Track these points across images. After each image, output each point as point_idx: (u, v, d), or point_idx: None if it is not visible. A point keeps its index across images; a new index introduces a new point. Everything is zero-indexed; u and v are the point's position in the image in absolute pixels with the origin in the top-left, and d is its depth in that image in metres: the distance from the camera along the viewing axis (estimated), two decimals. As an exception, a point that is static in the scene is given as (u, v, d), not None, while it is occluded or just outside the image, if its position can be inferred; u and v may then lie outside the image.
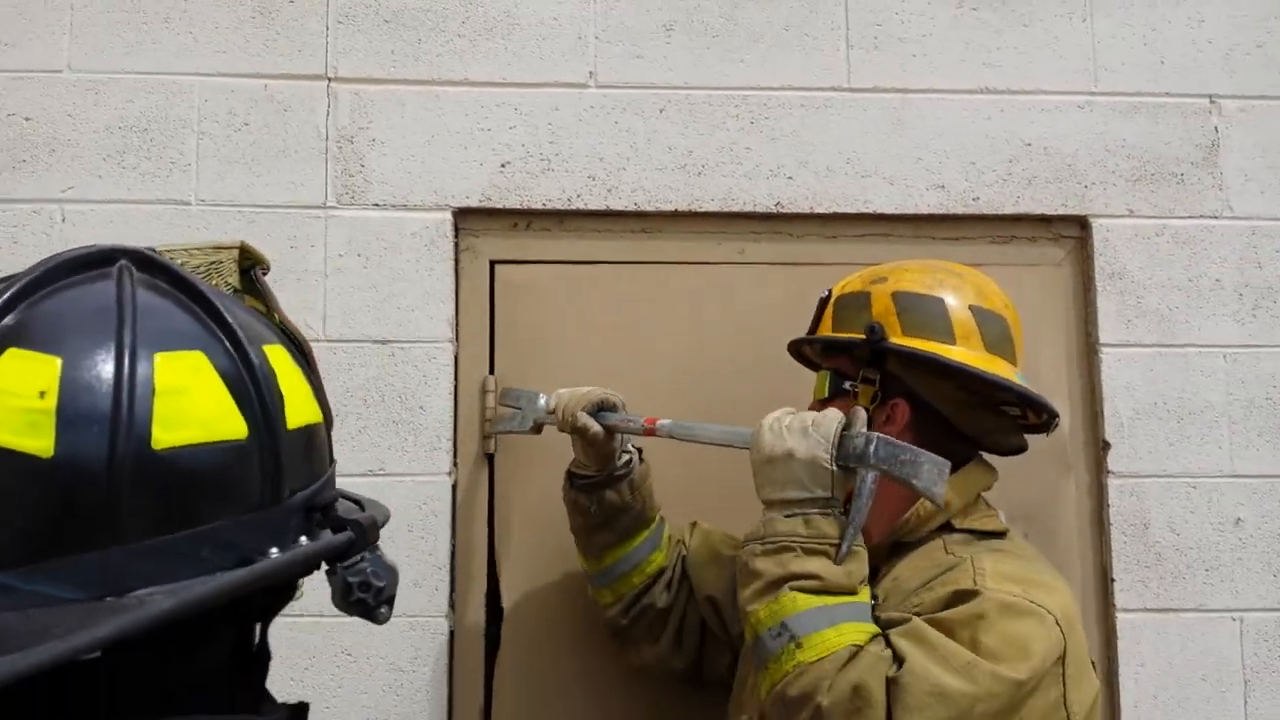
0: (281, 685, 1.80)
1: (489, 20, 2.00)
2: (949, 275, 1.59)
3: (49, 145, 1.93)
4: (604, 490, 1.66)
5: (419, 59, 1.98)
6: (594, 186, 1.96)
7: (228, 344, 0.71)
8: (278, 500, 0.70)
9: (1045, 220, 2.03)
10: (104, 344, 0.66)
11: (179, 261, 0.82)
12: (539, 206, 1.96)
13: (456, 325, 1.93)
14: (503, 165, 1.96)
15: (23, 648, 0.54)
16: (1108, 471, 1.96)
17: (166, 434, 0.65)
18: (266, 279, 0.90)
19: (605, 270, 1.96)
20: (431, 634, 1.85)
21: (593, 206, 1.96)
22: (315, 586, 0.78)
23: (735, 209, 1.97)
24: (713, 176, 1.98)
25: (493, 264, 1.95)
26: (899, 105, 2.02)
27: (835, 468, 1.36)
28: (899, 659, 1.28)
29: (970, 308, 1.54)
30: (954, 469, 1.48)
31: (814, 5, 2.04)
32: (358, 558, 0.71)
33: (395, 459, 1.87)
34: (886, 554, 1.50)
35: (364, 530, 0.73)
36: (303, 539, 0.71)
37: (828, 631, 1.30)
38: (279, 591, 0.75)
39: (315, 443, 0.76)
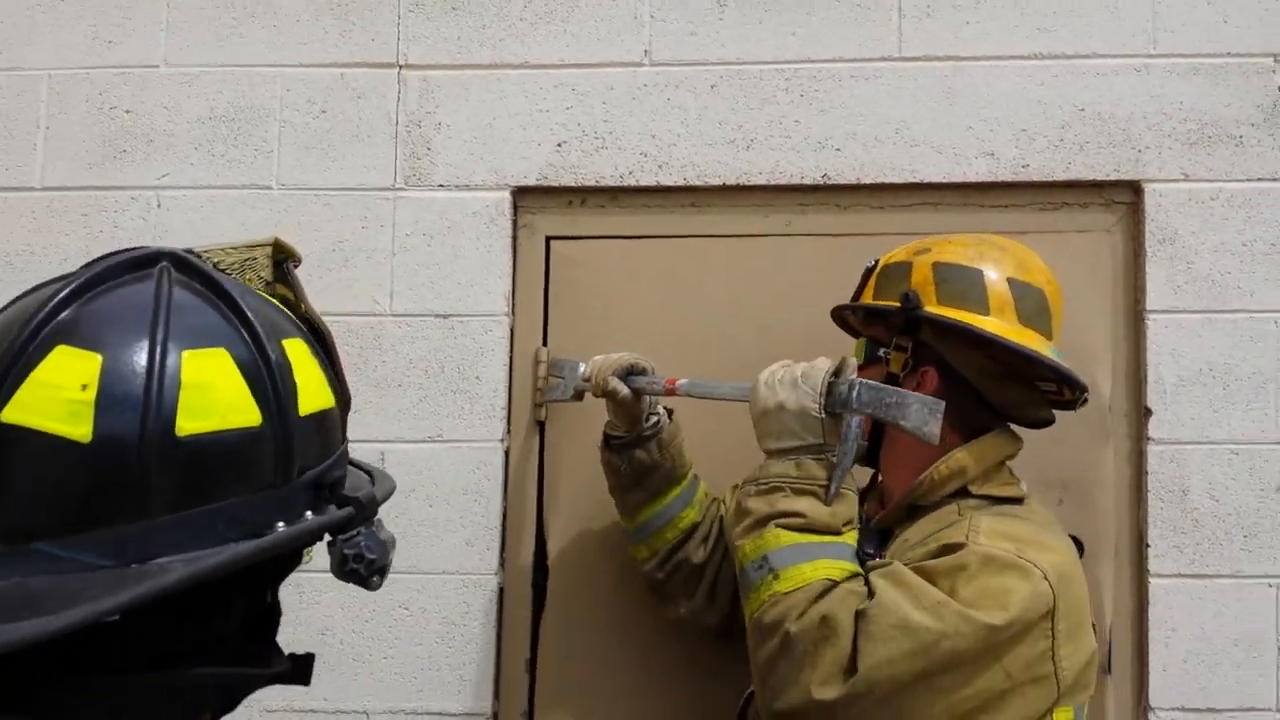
0: (343, 636, 2.00)
1: (549, 4, 2.09)
2: (991, 248, 1.63)
3: (147, 136, 2.10)
4: (634, 450, 1.77)
5: (483, 43, 2.09)
6: (646, 163, 2.04)
7: (248, 339, 0.81)
8: (288, 479, 0.80)
9: (1097, 186, 2.02)
10: (140, 341, 0.77)
11: (215, 260, 0.93)
12: (593, 184, 2.05)
13: (513, 300, 2.05)
14: (559, 145, 2.05)
15: (58, 609, 0.66)
16: (1148, 438, 1.96)
17: (190, 423, 0.76)
18: (298, 271, 1.01)
19: (656, 244, 2.05)
20: (482, 590, 1.99)
21: (644, 183, 2.04)
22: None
23: (783, 182, 2.03)
24: (761, 150, 2.04)
25: (549, 240, 2.06)
26: (950, 73, 2.03)
27: (824, 415, 1.46)
28: (871, 595, 1.37)
29: (1008, 280, 1.57)
30: (973, 435, 1.54)
31: (866, -24, 2.06)
32: (355, 532, 0.82)
33: (453, 426, 2.01)
34: (904, 516, 1.56)
35: (363, 506, 0.83)
36: (309, 514, 0.81)
37: (804, 566, 1.40)
38: (286, 559, 0.86)
39: (326, 426, 0.87)
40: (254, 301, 0.85)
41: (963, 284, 1.57)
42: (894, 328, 1.60)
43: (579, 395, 1.86)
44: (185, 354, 0.78)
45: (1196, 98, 2.01)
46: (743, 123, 2.04)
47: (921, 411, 1.44)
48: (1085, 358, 1.96)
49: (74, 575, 0.69)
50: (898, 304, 1.58)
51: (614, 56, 2.07)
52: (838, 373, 1.49)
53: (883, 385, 1.48)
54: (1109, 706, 1.94)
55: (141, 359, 0.76)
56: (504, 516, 2.02)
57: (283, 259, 1.01)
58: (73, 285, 0.79)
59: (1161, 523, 1.95)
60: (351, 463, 0.94)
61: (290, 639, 0.87)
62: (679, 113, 2.05)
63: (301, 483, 0.82)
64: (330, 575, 0.85)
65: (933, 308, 1.56)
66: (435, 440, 2.01)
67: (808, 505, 1.44)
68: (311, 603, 1.97)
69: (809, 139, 2.03)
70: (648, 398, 1.76)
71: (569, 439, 2.00)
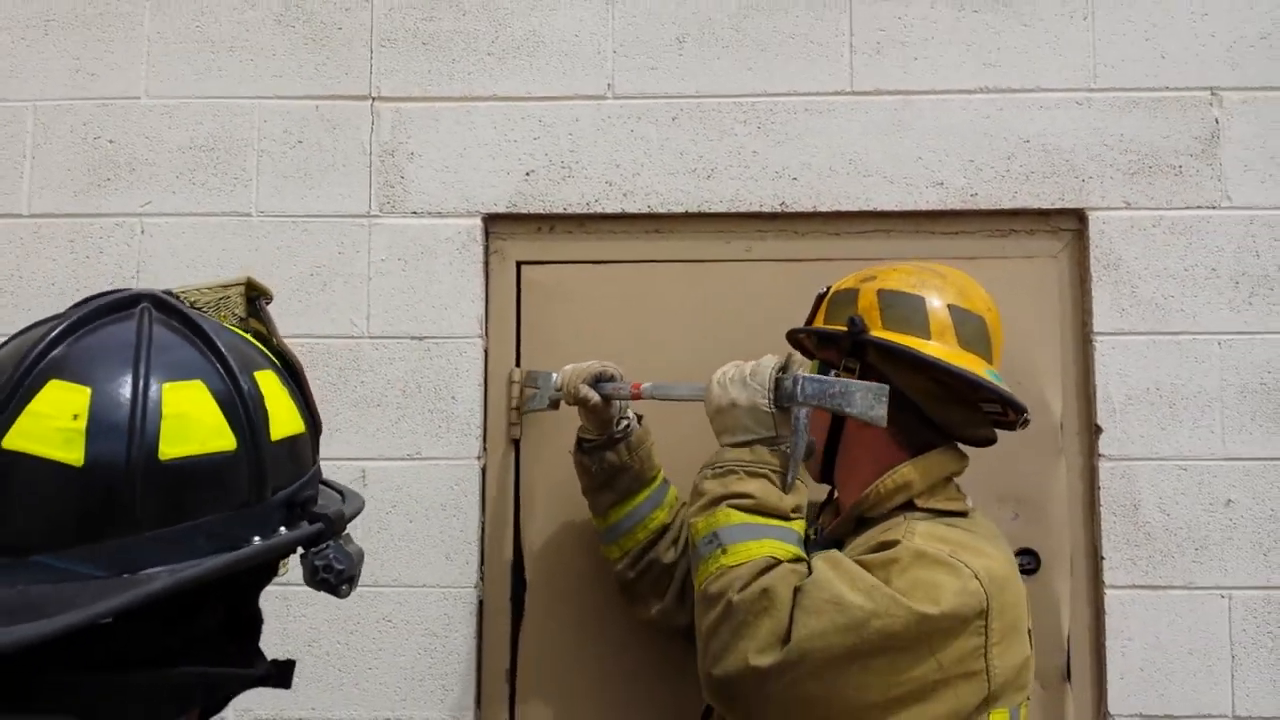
0: (329, 647, 2.07)
1: (516, 39, 2.17)
2: (933, 276, 1.71)
3: (130, 165, 2.17)
4: (605, 451, 1.86)
5: (453, 77, 2.17)
6: (611, 191, 2.13)
7: (223, 372, 0.89)
8: (261, 498, 0.88)
9: (1043, 214, 2.12)
10: (125, 376, 0.85)
11: (191, 299, 1.02)
12: (561, 211, 2.13)
13: (486, 322, 2.13)
14: (528, 173, 2.14)
15: (56, 613, 0.73)
16: (1099, 455, 2.05)
17: (171, 448, 0.84)
18: (272, 313, 1.09)
19: (622, 269, 2.13)
20: (463, 603, 2.06)
21: (610, 210, 2.13)
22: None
23: (742, 209, 2.12)
24: (721, 179, 2.13)
25: (519, 265, 2.15)
26: (900, 106, 2.13)
27: (774, 409, 1.56)
28: (811, 574, 1.46)
29: (949, 306, 1.66)
30: (919, 452, 1.63)
31: (820, 13, 2.16)
32: (324, 545, 0.90)
33: (430, 444, 2.08)
34: (853, 528, 1.64)
35: (332, 522, 0.91)
36: (282, 529, 0.89)
37: (751, 543, 1.50)
38: (262, 570, 0.94)
39: (297, 449, 0.95)
40: (228, 337, 0.93)
41: (906, 310, 1.65)
42: (843, 350, 1.69)
43: (555, 404, 1.95)
44: (166, 386, 0.86)
45: (1137, 129, 2.11)
46: (703, 153, 2.13)
47: (866, 397, 1.53)
48: (1036, 378, 2.06)
49: (70, 584, 0.77)
50: (845, 328, 1.67)
51: (579, 90, 2.16)
52: (784, 369, 1.59)
53: (826, 378, 1.58)
54: (1069, 713, 2.02)
55: (126, 391, 0.84)
56: (482, 531, 2.09)
57: (255, 296, 1.09)
58: (63, 325, 0.86)
59: (1115, 536, 2.03)
60: (324, 483, 1.02)
61: (278, 650, 0.95)
62: (642, 143, 2.14)
63: (275, 501, 0.90)
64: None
65: (878, 332, 1.64)
66: (414, 458, 2.08)
67: (758, 487, 1.54)
68: (298, 616, 2.03)
69: (767, 169, 2.12)
70: (617, 403, 1.86)
71: (543, 456, 2.09)
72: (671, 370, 2.03)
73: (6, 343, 0.88)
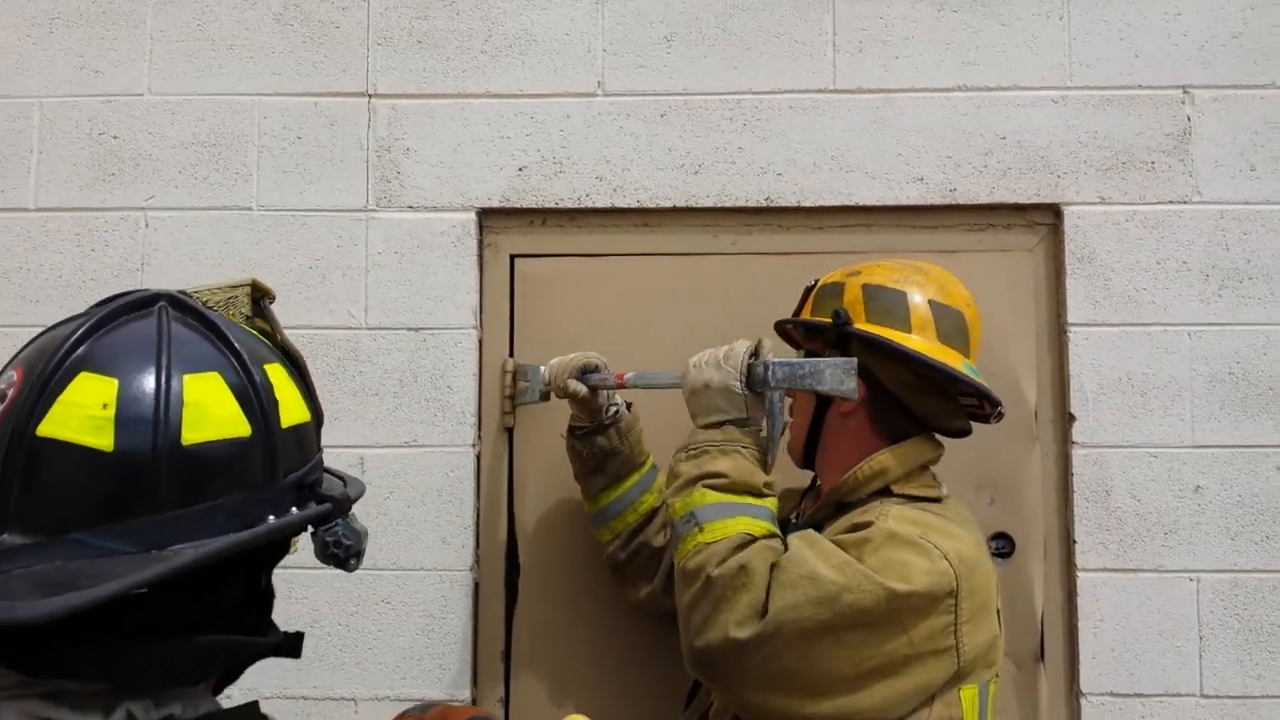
0: (330, 628, 2.14)
1: (509, 38, 2.23)
2: (916, 272, 1.78)
3: (134, 160, 2.23)
4: (595, 436, 1.94)
5: (447, 75, 2.23)
6: (601, 186, 2.19)
7: (237, 365, 0.95)
8: (274, 480, 0.94)
9: (1019, 209, 2.19)
10: (149, 368, 0.91)
11: (203, 299, 1.08)
12: (552, 205, 2.20)
13: (480, 313, 2.20)
14: (520, 169, 2.20)
15: (91, 586, 0.80)
16: (1072, 442, 2.12)
17: (192, 434, 0.90)
18: (273, 307, 1.16)
19: (611, 262, 2.20)
20: (459, 585, 2.13)
21: (600, 205, 2.19)
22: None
23: (729, 204, 2.19)
24: (708, 175, 2.19)
25: (512, 258, 2.21)
26: (881, 104, 2.20)
27: (746, 391, 1.64)
28: (788, 551, 1.53)
29: (930, 302, 1.73)
30: (896, 441, 1.70)
31: (804, 13, 2.22)
32: (333, 523, 0.97)
33: (426, 433, 2.15)
34: (831, 512, 1.71)
35: (339, 503, 0.98)
36: (293, 509, 0.96)
37: (727, 521, 1.58)
38: (276, 547, 1.00)
39: (304, 436, 1.01)
40: (239, 333, 1.00)
41: (888, 304, 1.72)
42: (828, 342, 1.76)
43: (545, 397, 2.03)
44: (186, 378, 0.92)
45: (1111, 127, 2.18)
46: (691, 149, 2.19)
47: (836, 373, 1.60)
48: (1012, 367, 2.13)
49: (104, 559, 0.84)
50: (830, 320, 1.74)
51: (569, 87, 2.22)
52: (755, 354, 1.67)
53: (795, 360, 1.65)
54: (1042, 692, 2.09)
55: (151, 382, 0.90)
56: (477, 517, 2.16)
57: (260, 296, 1.16)
58: (89, 322, 0.93)
59: (1087, 521, 2.10)
60: (326, 470, 1.09)
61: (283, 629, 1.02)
62: (631, 140, 2.20)
63: (286, 483, 0.96)
64: (317, 573, 0.99)
65: (861, 325, 1.71)
66: (410, 445, 2.15)
67: (730, 465, 1.61)
68: (300, 598, 2.10)
69: (752, 164, 2.19)
70: (604, 392, 1.93)
71: (536, 444, 2.16)
72: (660, 359, 2.09)
73: (30, 343, 0.94)
